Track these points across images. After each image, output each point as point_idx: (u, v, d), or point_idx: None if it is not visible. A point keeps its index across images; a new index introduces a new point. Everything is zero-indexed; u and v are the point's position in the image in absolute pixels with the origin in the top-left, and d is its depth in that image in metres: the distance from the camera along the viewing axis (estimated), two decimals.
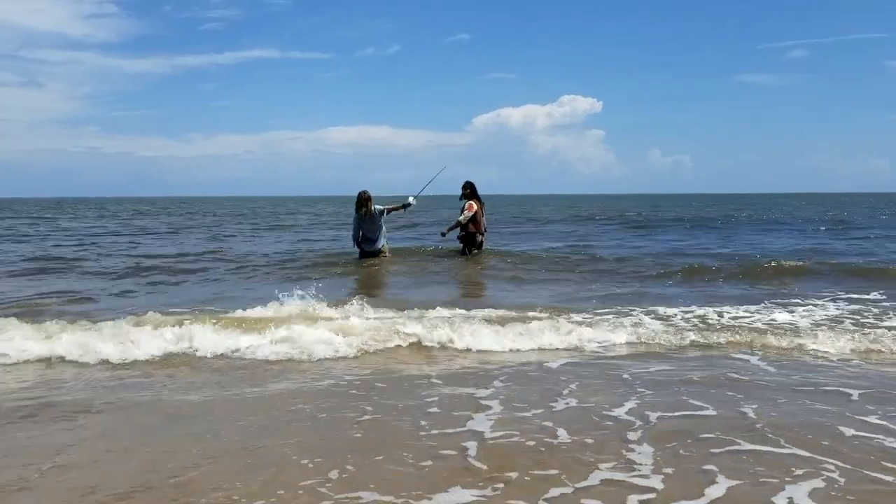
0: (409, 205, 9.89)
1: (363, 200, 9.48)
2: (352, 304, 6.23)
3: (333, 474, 2.75)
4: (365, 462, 2.88)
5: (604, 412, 3.54)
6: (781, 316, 6.15)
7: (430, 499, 2.55)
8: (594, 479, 2.70)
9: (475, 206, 10.17)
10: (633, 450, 3.00)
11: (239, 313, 5.96)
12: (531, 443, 3.11)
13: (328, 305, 6.22)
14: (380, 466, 2.84)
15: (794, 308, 6.58)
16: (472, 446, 3.07)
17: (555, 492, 2.59)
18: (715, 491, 2.58)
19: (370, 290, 8.08)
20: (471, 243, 10.52)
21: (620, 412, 3.54)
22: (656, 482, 2.67)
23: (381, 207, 9.70)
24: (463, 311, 6.17)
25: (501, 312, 6.16)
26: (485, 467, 2.82)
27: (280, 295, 6.40)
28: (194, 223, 26.20)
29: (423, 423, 3.41)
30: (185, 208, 49.97)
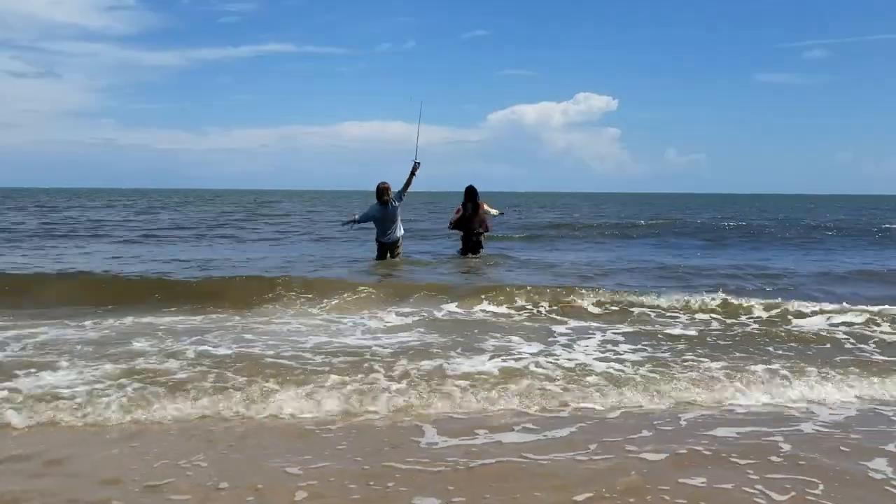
0: (416, 164, 10.00)
1: (382, 190, 10.03)
2: None
3: None
4: None
5: None
6: None
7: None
8: None
9: (461, 210, 11.19)
10: None
11: None
12: None
13: None
14: None
15: None
16: None
17: None
18: None
19: None
20: (466, 243, 11.35)
21: None
22: None
23: (396, 192, 10.11)
24: None
25: None
26: None
27: None
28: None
29: None
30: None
